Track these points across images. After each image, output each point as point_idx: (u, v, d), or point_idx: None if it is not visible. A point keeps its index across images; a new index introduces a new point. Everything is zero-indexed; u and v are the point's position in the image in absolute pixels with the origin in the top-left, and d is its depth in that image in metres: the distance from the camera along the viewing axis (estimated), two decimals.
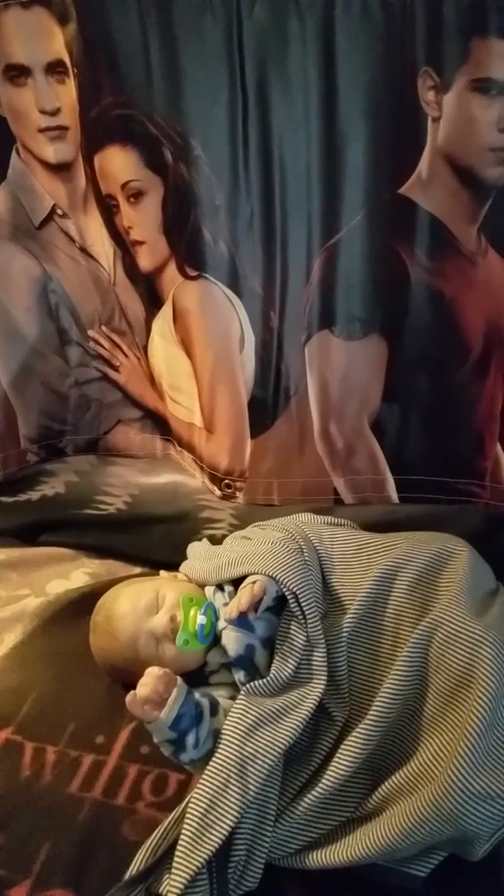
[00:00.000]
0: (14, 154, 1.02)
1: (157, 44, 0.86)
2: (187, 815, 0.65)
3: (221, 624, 0.78)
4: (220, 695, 0.75)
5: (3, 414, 1.15)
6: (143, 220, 0.98)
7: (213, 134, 0.89)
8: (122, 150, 0.94)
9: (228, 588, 0.81)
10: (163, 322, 1.06)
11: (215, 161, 0.90)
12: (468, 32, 0.77)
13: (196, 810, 0.65)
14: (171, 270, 1.00)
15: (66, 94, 0.96)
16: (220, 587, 0.82)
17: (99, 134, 0.95)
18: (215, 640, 0.78)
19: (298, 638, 0.74)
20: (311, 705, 0.70)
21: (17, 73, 0.95)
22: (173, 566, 0.91)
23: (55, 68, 0.94)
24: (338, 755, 0.68)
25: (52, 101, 0.96)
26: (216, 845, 0.63)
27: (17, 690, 0.85)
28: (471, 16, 0.76)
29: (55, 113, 0.97)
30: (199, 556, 0.90)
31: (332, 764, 0.68)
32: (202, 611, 0.77)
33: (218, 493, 1.11)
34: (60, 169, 1.02)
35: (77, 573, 1.05)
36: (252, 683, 0.72)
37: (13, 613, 0.96)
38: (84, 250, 1.07)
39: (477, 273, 0.89)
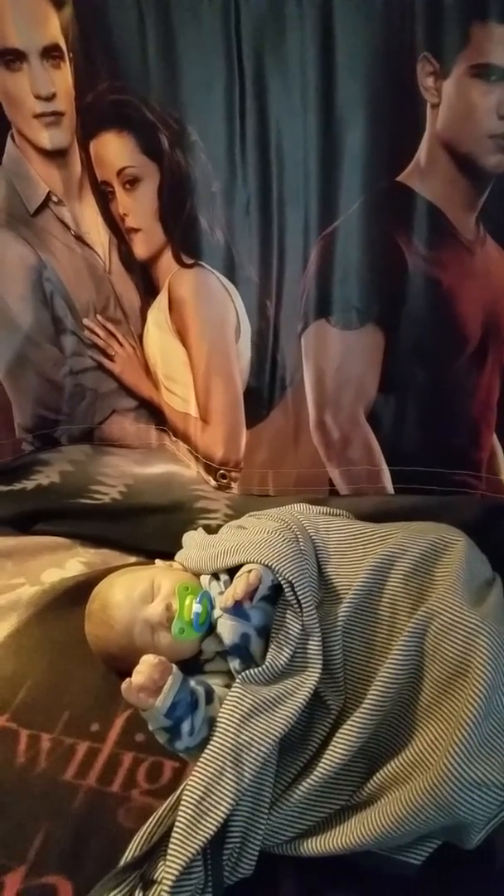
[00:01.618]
0: (9, 140, 1.01)
1: (154, 29, 0.85)
2: (182, 803, 0.65)
3: (217, 612, 0.77)
4: (216, 683, 0.75)
5: None
6: (138, 208, 0.97)
7: (209, 120, 0.88)
8: (118, 137, 0.93)
9: (224, 577, 0.81)
10: (158, 311, 1.05)
11: (212, 148, 0.89)
12: (468, 18, 0.76)
13: (191, 798, 0.65)
14: (167, 258, 0.99)
15: (62, 79, 0.94)
16: (215, 576, 0.82)
17: (94, 120, 0.94)
18: (211, 629, 0.78)
19: (294, 627, 0.74)
20: (307, 694, 0.70)
21: (13, 58, 0.94)
22: (168, 555, 0.91)
23: (51, 53, 0.93)
24: (333, 744, 0.68)
25: (48, 86, 0.95)
26: (211, 833, 0.63)
27: (13, 678, 0.85)
28: (470, 1, 0.75)
29: (50, 98, 0.96)
30: (195, 545, 0.90)
31: (328, 752, 0.68)
32: (197, 599, 0.77)
33: (213, 483, 1.10)
34: (55, 155, 1.01)
35: (72, 562, 1.05)
36: (247, 672, 0.72)
37: (8, 602, 0.96)
38: (79, 238, 1.07)
39: (475, 262, 0.89)
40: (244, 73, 0.85)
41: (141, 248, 1.01)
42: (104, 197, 1.00)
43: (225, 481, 1.10)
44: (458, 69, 0.79)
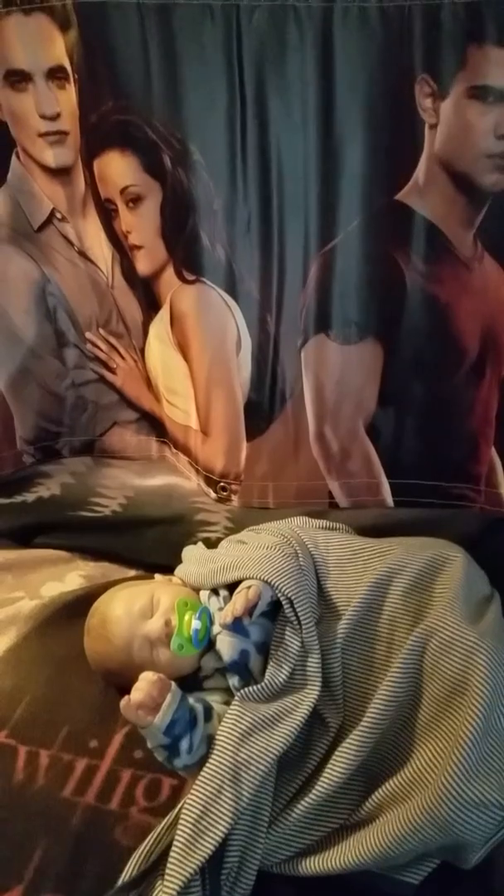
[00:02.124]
0: (14, 158, 1.02)
1: (157, 50, 0.85)
2: (180, 821, 0.65)
3: (216, 629, 0.78)
4: (215, 700, 0.75)
5: (0, 416, 1.15)
6: (141, 225, 0.98)
7: (211, 140, 0.89)
8: (122, 155, 0.94)
9: (223, 592, 0.81)
10: (160, 325, 1.06)
11: (213, 166, 0.90)
12: (465, 40, 0.77)
13: (189, 816, 0.65)
14: (169, 274, 1.00)
15: (67, 99, 0.95)
16: (214, 591, 0.82)
17: (98, 139, 0.95)
18: (210, 645, 0.78)
19: (293, 643, 0.74)
20: (306, 711, 0.70)
21: (18, 79, 0.95)
22: (168, 569, 0.92)
23: (56, 74, 0.94)
24: (332, 761, 0.68)
25: (53, 105, 0.96)
26: (209, 851, 0.63)
27: (11, 693, 0.85)
28: (468, 24, 0.76)
29: (55, 118, 0.97)
30: (194, 560, 0.90)
31: (326, 770, 0.68)
32: (197, 615, 0.77)
33: (213, 495, 1.11)
34: (60, 173, 1.02)
35: (72, 575, 1.05)
36: (246, 689, 0.72)
37: (7, 616, 0.96)
38: (82, 254, 1.07)
39: (473, 278, 0.90)
40: (245, 94, 0.86)
41: (143, 265, 1.01)
42: (107, 214, 1.01)
43: (225, 493, 1.10)
44: (455, 90, 0.80)
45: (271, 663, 0.74)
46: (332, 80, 0.82)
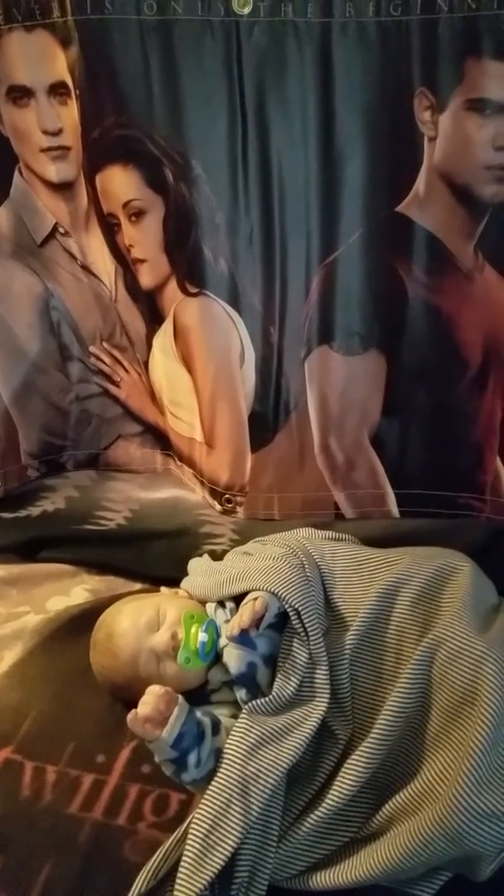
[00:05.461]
0: (16, 173, 1.03)
1: (158, 66, 0.87)
2: (189, 836, 0.64)
3: (223, 641, 0.77)
4: (222, 713, 0.75)
5: (4, 430, 1.15)
6: (144, 239, 0.99)
7: (212, 154, 0.90)
8: (124, 170, 0.95)
9: (230, 604, 0.81)
10: (163, 338, 1.06)
11: (215, 180, 0.91)
12: (463, 53, 0.78)
13: (198, 831, 0.64)
14: (172, 287, 1.01)
15: (69, 114, 0.97)
16: (221, 604, 0.82)
17: (100, 154, 0.96)
18: (217, 658, 0.78)
19: (301, 655, 0.73)
20: (314, 723, 0.70)
21: (20, 95, 0.96)
22: (174, 582, 0.91)
23: (57, 89, 0.95)
24: (341, 774, 0.68)
25: (55, 121, 0.97)
26: (219, 866, 0.62)
27: (17, 709, 0.85)
28: (465, 37, 0.78)
29: (57, 133, 0.98)
30: (200, 572, 0.90)
31: (336, 783, 0.68)
32: (203, 628, 0.77)
33: (218, 507, 1.11)
34: (62, 188, 1.03)
35: (77, 589, 1.05)
36: (254, 702, 0.72)
37: (13, 631, 0.96)
38: (86, 268, 1.08)
39: (474, 289, 0.90)
40: (246, 108, 0.87)
41: (146, 278, 1.02)
42: (110, 229, 1.01)
43: (230, 506, 1.10)
44: (454, 103, 0.81)
45: (279, 676, 0.73)
46: (331, 94, 0.83)
